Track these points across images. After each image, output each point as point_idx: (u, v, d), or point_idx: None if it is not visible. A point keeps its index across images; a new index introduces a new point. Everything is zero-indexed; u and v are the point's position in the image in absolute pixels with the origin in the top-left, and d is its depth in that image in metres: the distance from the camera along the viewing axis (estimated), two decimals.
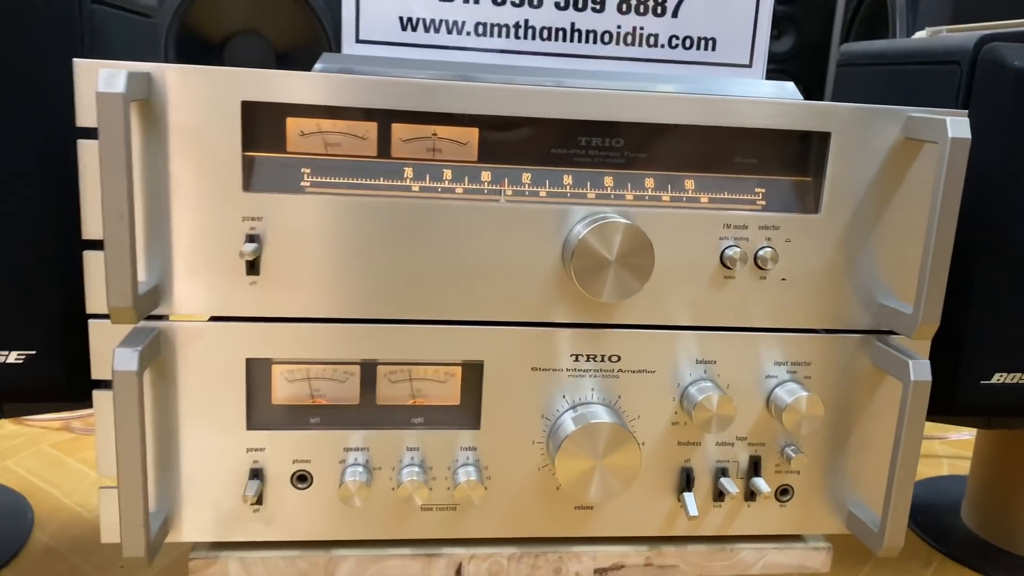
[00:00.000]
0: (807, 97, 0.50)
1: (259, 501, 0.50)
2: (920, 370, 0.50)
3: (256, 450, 0.50)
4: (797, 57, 2.03)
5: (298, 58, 1.85)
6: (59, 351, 0.49)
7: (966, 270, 0.55)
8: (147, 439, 0.48)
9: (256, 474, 0.50)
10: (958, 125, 0.47)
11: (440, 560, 0.52)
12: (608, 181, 0.50)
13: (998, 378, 0.57)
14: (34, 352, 0.49)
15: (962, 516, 0.79)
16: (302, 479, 0.50)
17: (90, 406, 0.49)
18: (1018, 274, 0.55)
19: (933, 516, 0.79)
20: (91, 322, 0.47)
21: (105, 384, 0.47)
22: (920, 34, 0.79)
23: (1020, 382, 0.57)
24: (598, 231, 0.47)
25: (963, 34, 0.58)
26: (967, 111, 0.49)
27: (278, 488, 0.50)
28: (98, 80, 0.41)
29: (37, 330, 0.49)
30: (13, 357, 0.48)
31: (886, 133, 0.50)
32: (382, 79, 0.47)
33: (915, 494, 0.91)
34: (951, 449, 0.97)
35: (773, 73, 2.02)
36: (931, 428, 1.00)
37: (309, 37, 1.81)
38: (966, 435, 1.01)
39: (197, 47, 1.63)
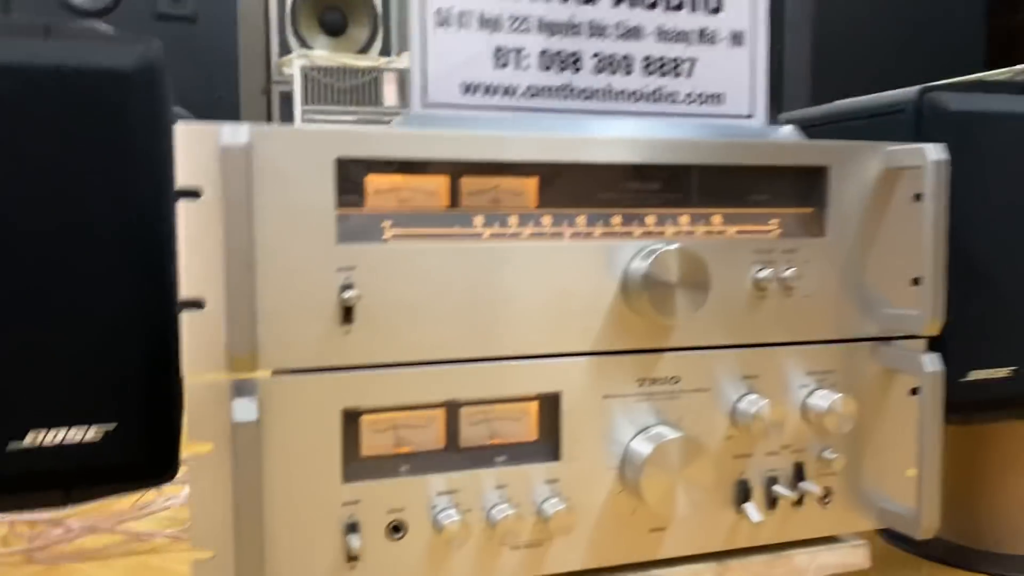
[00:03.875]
0: None
1: (355, 557, 0.50)
2: (933, 362, 0.57)
3: (352, 503, 0.49)
4: None
5: None
6: (142, 424, 0.47)
7: None
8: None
9: (353, 528, 0.49)
10: (935, 151, 0.56)
11: None
12: (650, 220, 0.56)
13: (974, 375, 0.65)
14: (114, 425, 0.47)
15: None
16: (396, 529, 0.50)
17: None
18: (980, 278, 0.64)
19: None
20: (189, 384, 0.46)
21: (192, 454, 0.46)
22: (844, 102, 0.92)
23: (994, 377, 0.66)
24: (660, 259, 0.52)
25: (903, 89, 0.69)
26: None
27: (374, 541, 0.50)
28: (220, 135, 0.42)
29: (117, 401, 0.47)
30: (92, 433, 0.46)
31: (872, 164, 0.59)
32: (460, 133, 0.51)
33: None
34: None
35: None
36: None
37: None
38: None
39: None
